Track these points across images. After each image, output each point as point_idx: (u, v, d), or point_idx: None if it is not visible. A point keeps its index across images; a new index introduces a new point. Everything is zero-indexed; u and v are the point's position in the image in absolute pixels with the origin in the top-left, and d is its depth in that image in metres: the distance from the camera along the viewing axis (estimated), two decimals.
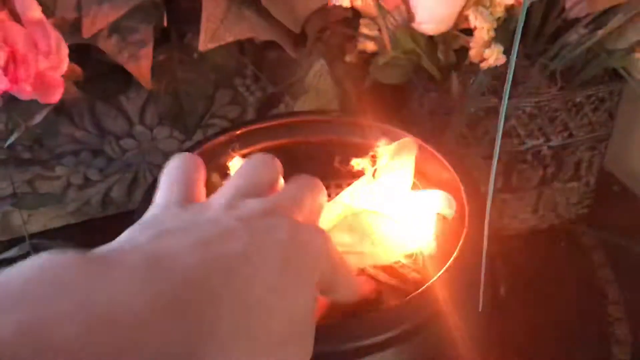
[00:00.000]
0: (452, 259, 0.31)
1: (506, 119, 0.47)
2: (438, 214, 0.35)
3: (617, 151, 0.57)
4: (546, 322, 0.47)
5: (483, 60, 0.43)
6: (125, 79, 0.48)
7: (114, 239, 0.23)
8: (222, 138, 0.39)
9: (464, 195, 0.35)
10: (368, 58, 0.48)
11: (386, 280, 0.33)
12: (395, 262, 0.33)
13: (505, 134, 0.48)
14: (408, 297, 0.30)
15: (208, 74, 0.45)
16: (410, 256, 0.34)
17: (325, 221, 0.32)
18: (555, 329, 0.47)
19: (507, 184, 0.51)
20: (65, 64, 0.33)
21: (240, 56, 0.46)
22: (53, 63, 0.32)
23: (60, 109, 0.49)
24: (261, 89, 0.53)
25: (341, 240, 0.32)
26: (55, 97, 0.34)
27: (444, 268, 0.31)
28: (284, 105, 0.56)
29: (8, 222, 0.56)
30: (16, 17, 0.30)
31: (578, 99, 0.47)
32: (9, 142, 0.42)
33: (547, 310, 0.48)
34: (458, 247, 0.32)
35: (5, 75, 0.30)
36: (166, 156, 0.52)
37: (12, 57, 0.31)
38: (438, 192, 0.36)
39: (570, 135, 0.49)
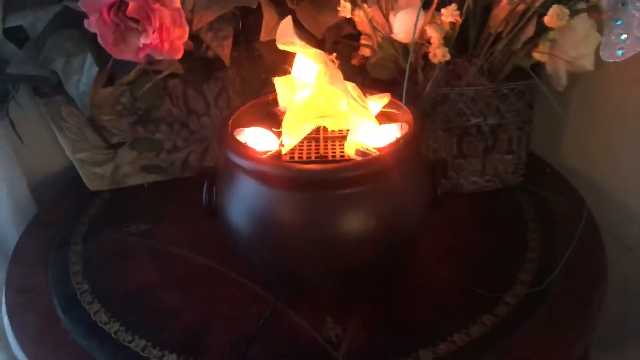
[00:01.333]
0: (401, 139, 0.55)
1: (456, 102, 0.71)
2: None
3: (540, 136, 0.81)
4: (479, 233, 0.69)
5: (436, 58, 0.67)
6: (207, 73, 0.75)
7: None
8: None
9: (414, 121, 0.59)
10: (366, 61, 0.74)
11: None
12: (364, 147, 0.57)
13: (456, 114, 0.72)
14: (373, 155, 0.53)
15: (263, 65, 0.72)
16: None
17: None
18: (487, 239, 0.69)
19: (460, 151, 0.74)
20: (186, 36, 0.59)
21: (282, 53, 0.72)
22: (181, 35, 0.59)
23: (165, 91, 0.75)
24: None
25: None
26: (178, 55, 0.60)
27: (394, 141, 0.54)
28: None
29: (116, 173, 0.81)
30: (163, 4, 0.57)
31: (504, 90, 0.71)
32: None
33: (483, 229, 0.70)
34: (404, 135, 0.56)
35: (158, 38, 0.57)
36: None
37: (160, 28, 0.57)
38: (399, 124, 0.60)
39: (502, 116, 0.72)
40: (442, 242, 0.69)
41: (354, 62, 0.74)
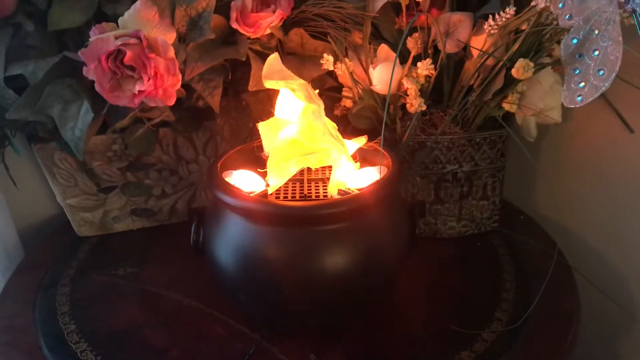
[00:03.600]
0: (380, 179, 0.58)
1: (432, 150, 0.75)
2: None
3: (512, 184, 0.85)
4: (457, 274, 0.72)
5: (412, 108, 0.72)
6: (197, 123, 0.79)
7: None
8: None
9: (392, 164, 0.62)
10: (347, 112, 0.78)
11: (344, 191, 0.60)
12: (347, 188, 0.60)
13: (433, 161, 0.76)
14: (353, 194, 0.56)
15: (250, 114, 0.76)
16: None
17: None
18: (464, 280, 0.71)
19: (437, 197, 0.78)
20: (179, 84, 0.63)
21: (268, 103, 0.77)
22: (174, 83, 0.63)
23: (156, 139, 0.78)
24: None
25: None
26: (171, 102, 0.64)
27: (374, 182, 0.58)
28: None
29: (106, 220, 0.84)
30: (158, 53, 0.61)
31: (478, 139, 0.75)
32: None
33: (461, 271, 0.73)
34: (383, 176, 0.59)
35: (153, 85, 0.60)
36: None
37: (155, 76, 0.61)
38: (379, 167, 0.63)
39: (476, 164, 0.77)
40: (421, 281, 0.71)
41: (337, 112, 0.79)
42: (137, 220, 0.85)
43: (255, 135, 0.77)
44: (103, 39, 0.60)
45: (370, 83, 0.73)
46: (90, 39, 0.61)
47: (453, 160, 0.76)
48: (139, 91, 0.61)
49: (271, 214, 0.56)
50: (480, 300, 0.68)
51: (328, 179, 0.63)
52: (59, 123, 0.68)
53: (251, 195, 0.59)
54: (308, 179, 0.64)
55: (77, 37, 0.69)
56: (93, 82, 0.63)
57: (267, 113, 0.77)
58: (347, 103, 0.77)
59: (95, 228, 0.83)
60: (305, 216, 0.56)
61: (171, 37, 0.63)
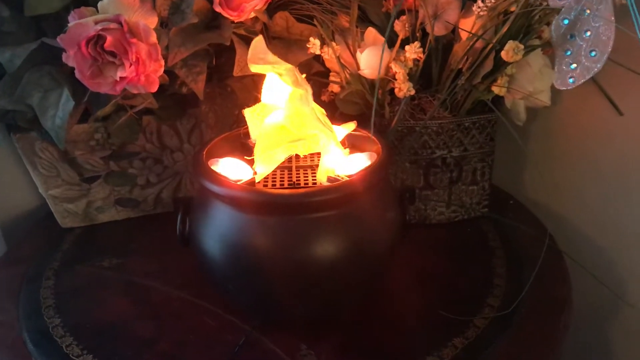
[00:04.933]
0: (370, 166, 0.57)
1: (421, 135, 0.74)
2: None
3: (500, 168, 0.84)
4: (447, 261, 0.71)
5: (401, 92, 0.71)
6: (181, 110, 0.77)
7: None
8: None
9: (382, 150, 0.61)
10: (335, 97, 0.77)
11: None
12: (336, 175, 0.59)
13: (422, 146, 0.75)
14: (342, 181, 0.55)
15: (235, 101, 0.74)
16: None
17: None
18: (455, 267, 0.71)
19: (426, 183, 0.77)
20: (162, 70, 0.61)
21: (254, 89, 0.75)
22: (156, 68, 0.61)
23: (139, 127, 0.76)
24: None
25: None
26: (154, 89, 0.62)
27: (364, 168, 0.57)
28: None
29: (89, 210, 0.82)
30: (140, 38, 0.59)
31: (467, 124, 0.74)
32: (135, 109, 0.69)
33: (451, 257, 0.73)
34: (373, 163, 0.58)
35: (135, 71, 0.59)
36: None
37: (137, 61, 0.59)
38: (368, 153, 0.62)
39: (465, 149, 0.76)
40: (412, 269, 0.71)
41: (324, 97, 0.77)
42: (122, 211, 0.83)
43: (241, 122, 0.75)
44: (82, 24, 0.58)
45: (358, 67, 0.72)
46: (69, 24, 0.59)
47: (442, 146, 0.75)
48: (121, 78, 0.59)
49: (259, 202, 0.55)
50: (472, 286, 0.68)
51: (317, 166, 0.62)
52: (39, 112, 0.66)
53: (238, 183, 0.58)
54: (296, 167, 0.63)
55: (56, 23, 0.67)
56: (73, 69, 0.61)
57: (253, 99, 0.75)
58: (335, 88, 0.76)
59: (79, 219, 0.82)
60: (293, 204, 0.54)
61: (153, 21, 0.61)
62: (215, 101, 0.74)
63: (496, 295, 0.66)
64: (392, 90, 0.73)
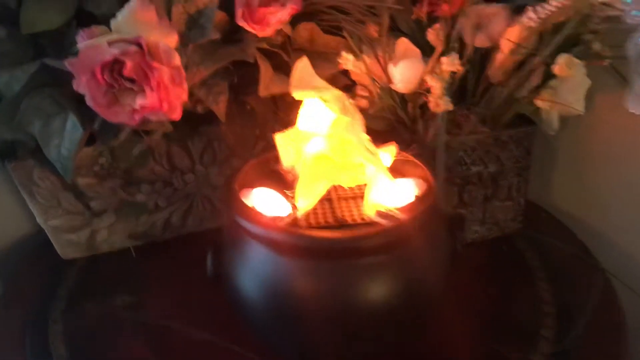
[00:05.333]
0: (423, 199, 0.52)
1: (457, 151, 0.69)
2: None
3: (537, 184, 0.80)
4: (490, 286, 0.67)
5: (438, 107, 0.65)
6: (192, 129, 0.70)
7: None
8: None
9: (431, 178, 0.56)
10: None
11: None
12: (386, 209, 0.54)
13: (457, 162, 0.70)
14: (396, 219, 0.50)
15: (255, 119, 0.68)
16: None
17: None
18: (499, 292, 0.66)
19: (461, 200, 0.72)
20: (186, 95, 0.55)
21: (274, 106, 0.69)
22: (179, 93, 0.54)
23: (148, 149, 0.70)
24: None
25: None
26: (177, 116, 0.55)
27: (419, 211, 0.51)
28: None
29: (93, 239, 0.75)
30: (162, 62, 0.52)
31: (504, 138, 0.69)
32: (135, 151, 0.62)
33: (493, 281, 0.68)
34: (425, 194, 0.53)
35: (157, 98, 0.52)
36: (215, 189, 0.73)
37: (159, 87, 0.52)
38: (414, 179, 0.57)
39: (502, 164, 0.71)
40: (456, 297, 0.66)
41: None
42: (128, 239, 0.76)
43: (262, 142, 0.70)
44: (95, 46, 0.51)
45: (389, 81, 0.66)
46: (79, 46, 0.52)
47: (478, 161, 0.70)
48: (141, 106, 0.53)
49: (303, 246, 0.49)
50: (521, 315, 0.64)
51: (360, 196, 0.57)
52: (41, 141, 0.59)
53: (276, 219, 0.52)
54: (338, 197, 0.57)
55: (57, 40, 0.59)
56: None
57: (274, 117, 0.70)
58: (362, 103, 0.70)
59: (82, 249, 0.75)
60: (342, 249, 0.49)
61: (173, 40, 0.55)
62: (234, 120, 0.67)
63: (549, 326, 0.62)
64: (424, 104, 0.67)
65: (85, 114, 0.58)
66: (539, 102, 0.65)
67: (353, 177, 0.54)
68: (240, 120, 0.67)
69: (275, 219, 0.53)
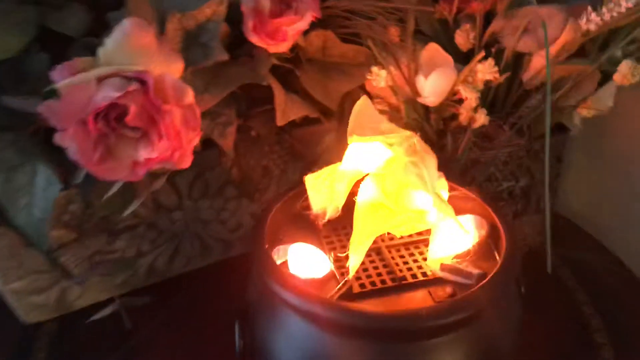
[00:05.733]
0: (499, 264, 0.43)
1: (488, 167, 0.61)
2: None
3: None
4: (531, 313, 0.60)
5: (471, 122, 0.57)
6: None
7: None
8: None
9: (496, 219, 0.47)
10: None
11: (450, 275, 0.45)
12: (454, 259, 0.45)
13: (486, 179, 0.62)
14: (469, 291, 0.41)
15: (262, 148, 0.57)
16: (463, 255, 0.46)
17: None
18: (544, 320, 0.60)
19: None
20: (198, 138, 0.43)
21: (280, 131, 0.58)
22: (192, 138, 0.43)
23: (130, 189, 0.57)
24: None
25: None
26: (187, 164, 0.44)
27: (497, 268, 0.43)
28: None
29: (64, 298, 0.62)
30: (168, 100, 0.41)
31: (536, 147, 0.62)
32: (125, 213, 0.50)
33: (534, 307, 0.61)
34: (502, 255, 0.44)
35: (168, 148, 0.40)
36: (205, 224, 0.62)
37: (169, 134, 0.41)
38: (472, 216, 0.48)
39: (532, 176, 0.64)
40: None
41: None
42: (105, 290, 0.64)
43: (268, 176, 0.59)
44: (82, 86, 0.39)
45: (416, 93, 0.57)
46: (59, 86, 0.39)
47: (509, 176, 0.62)
48: (148, 159, 0.41)
49: (359, 327, 0.40)
50: (575, 347, 0.57)
51: (412, 243, 0.48)
52: (6, 202, 0.46)
53: (322, 287, 0.43)
54: (387, 246, 0.48)
55: (15, 72, 0.46)
56: (46, 132, 0.42)
57: (278, 142, 0.59)
58: None
59: (49, 310, 0.62)
60: (408, 330, 0.40)
61: (178, 69, 0.43)
62: (239, 152, 0.56)
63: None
64: (452, 117, 0.59)
65: (61, 162, 0.46)
66: (583, 111, 0.58)
67: (412, 225, 0.45)
68: (243, 151, 0.56)
69: (319, 285, 0.43)
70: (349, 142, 0.42)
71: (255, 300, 0.46)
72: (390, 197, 0.43)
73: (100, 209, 0.55)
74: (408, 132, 0.40)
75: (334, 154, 0.62)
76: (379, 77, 0.52)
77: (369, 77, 0.52)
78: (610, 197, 0.75)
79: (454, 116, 0.59)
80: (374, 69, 0.52)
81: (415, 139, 0.41)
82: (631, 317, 0.61)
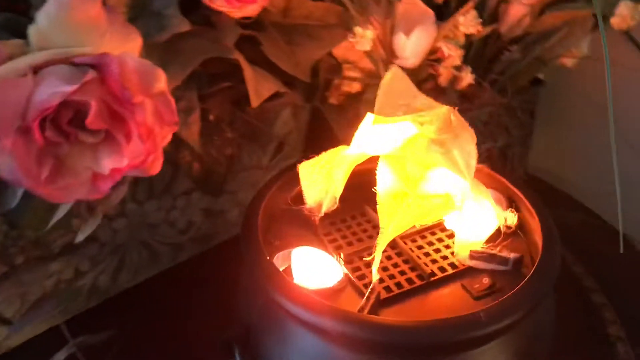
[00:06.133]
0: (541, 248, 0.38)
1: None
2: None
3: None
4: None
5: (453, 82, 0.51)
6: None
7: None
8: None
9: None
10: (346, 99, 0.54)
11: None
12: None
13: None
14: (515, 290, 0.35)
15: (226, 136, 0.47)
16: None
17: None
18: None
19: None
20: (171, 134, 0.34)
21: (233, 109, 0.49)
22: (166, 134, 0.33)
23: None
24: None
25: None
26: (156, 169, 0.34)
27: (540, 252, 0.37)
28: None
29: None
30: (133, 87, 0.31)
31: (514, 104, 0.57)
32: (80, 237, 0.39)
33: None
34: (542, 237, 0.38)
35: (142, 151, 0.30)
36: (152, 228, 0.52)
37: (141, 134, 0.31)
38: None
39: (510, 134, 0.59)
40: None
41: (333, 100, 0.54)
42: (42, 323, 0.52)
43: (241, 164, 0.50)
44: (14, 82, 0.28)
45: (392, 55, 0.50)
46: None
47: (489, 137, 0.58)
48: (114, 170, 0.31)
49: (386, 343, 0.33)
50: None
51: (427, 229, 0.41)
52: None
53: (344, 298, 0.36)
54: (402, 237, 0.41)
55: None
56: None
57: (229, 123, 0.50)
58: (354, 87, 0.53)
59: None
60: (441, 344, 0.33)
61: (135, 46, 0.33)
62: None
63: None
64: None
65: None
66: (567, 61, 0.53)
67: (438, 212, 0.38)
68: (206, 139, 0.46)
69: (334, 295, 0.36)
70: (372, 124, 0.34)
71: (257, 322, 0.38)
72: (410, 182, 0.36)
73: (24, 226, 0.44)
74: (445, 108, 0.33)
75: (296, 132, 0.54)
76: (364, 39, 0.44)
77: (351, 39, 0.44)
78: (580, 151, 0.73)
79: (429, 77, 0.53)
80: (357, 29, 0.44)
81: (452, 114, 0.34)
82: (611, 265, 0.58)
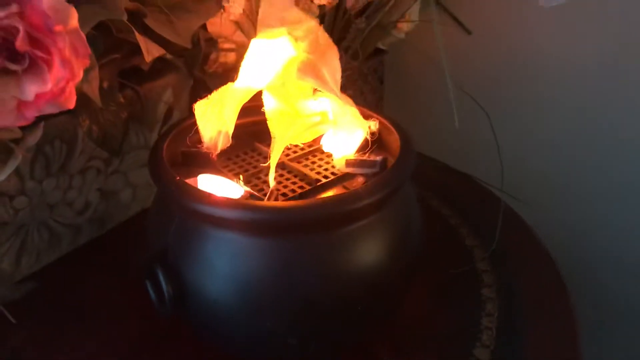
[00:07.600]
0: (400, 148, 0.46)
1: None
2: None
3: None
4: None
5: None
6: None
7: None
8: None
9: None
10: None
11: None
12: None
13: None
14: (383, 174, 0.43)
15: (117, 98, 0.52)
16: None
17: None
18: None
19: None
20: (82, 71, 0.39)
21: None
22: (80, 68, 0.38)
23: None
24: None
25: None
26: (72, 104, 0.39)
27: (399, 150, 0.46)
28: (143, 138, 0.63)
29: None
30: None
31: (365, 70, 0.67)
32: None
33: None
34: (400, 143, 0.47)
35: (64, 77, 0.35)
36: (52, 208, 0.56)
37: (63, 60, 0.35)
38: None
39: (365, 99, 0.69)
40: None
41: (211, 70, 0.61)
42: None
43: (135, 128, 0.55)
44: None
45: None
46: None
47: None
48: (38, 95, 0.36)
49: (308, 218, 0.39)
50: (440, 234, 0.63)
51: (313, 151, 0.49)
52: None
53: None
54: (290, 160, 0.48)
55: None
56: None
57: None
58: (229, 57, 0.60)
59: None
60: (344, 213, 0.40)
61: None
62: (94, 106, 0.50)
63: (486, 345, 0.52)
64: None
65: None
66: (404, 26, 0.65)
67: (315, 129, 0.46)
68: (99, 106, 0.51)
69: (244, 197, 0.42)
70: (256, 38, 0.41)
71: (174, 239, 0.43)
72: (291, 102, 0.44)
73: None
74: (313, 22, 0.41)
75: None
76: (235, 4, 0.51)
77: (225, 4, 0.51)
78: (424, 109, 0.84)
79: None
80: None
81: (320, 31, 0.42)
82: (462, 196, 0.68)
